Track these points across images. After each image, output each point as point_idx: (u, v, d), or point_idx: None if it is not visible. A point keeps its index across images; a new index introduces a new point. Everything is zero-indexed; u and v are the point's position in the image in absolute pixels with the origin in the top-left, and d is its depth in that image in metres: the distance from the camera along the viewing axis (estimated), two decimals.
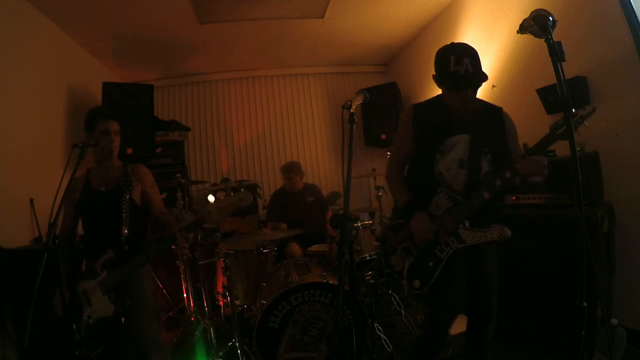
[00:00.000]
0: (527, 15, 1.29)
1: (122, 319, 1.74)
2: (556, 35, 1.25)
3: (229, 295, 2.43)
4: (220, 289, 2.80)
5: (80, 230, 1.94)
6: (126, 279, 1.73)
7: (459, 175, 1.57)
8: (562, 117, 1.32)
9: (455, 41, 1.61)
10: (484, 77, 1.50)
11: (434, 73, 1.58)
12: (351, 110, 1.40)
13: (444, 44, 1.61)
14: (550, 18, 1.25)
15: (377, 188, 3.14)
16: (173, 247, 2.89)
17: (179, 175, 3.42)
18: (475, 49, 1.54)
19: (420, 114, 1.65)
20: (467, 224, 1.51)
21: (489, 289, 1.62)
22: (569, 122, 1.24)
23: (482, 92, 3.29)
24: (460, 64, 1.46)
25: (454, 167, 1.57)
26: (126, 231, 1.78)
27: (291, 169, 3.46)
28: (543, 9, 1.27)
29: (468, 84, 1.49)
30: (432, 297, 1.61)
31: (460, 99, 1.53)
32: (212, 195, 1.69)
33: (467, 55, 1.47)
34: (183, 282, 3.00)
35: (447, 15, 3.74)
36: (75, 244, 1.95)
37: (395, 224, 1.69)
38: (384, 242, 1.70)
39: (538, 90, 2.56)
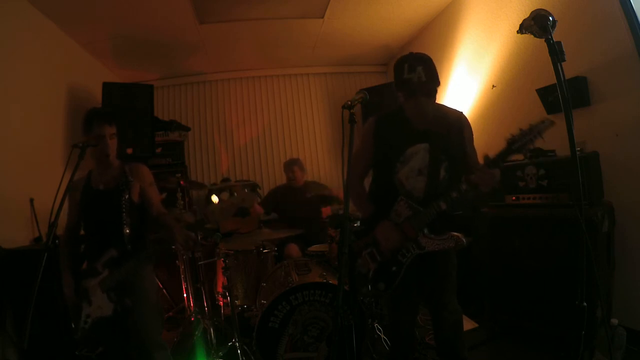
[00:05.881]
0: (527, 15, 1.29)
1: (124, 318, 1.73)
2: (556, 35, 1.25)
3: (229, 295, 2.43)
4: (220, 289, 2.80)
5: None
6: (127, 278, 1.73)
7: (418, 182, 1.65)
8: (519, 130, 1.42)
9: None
10: (437, 83, 1.60)
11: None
12: (351, 111, 1.40)
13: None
14: (550, 18, 1.24)
15: None
16: (173, 247, 2.90)
17: (179, 175, 3.42)
18: (431, 57, 1.60)
19: (382, 126, 1.73)
20: (426, 231, 1.60)
21: (442, 287, 1.72)
22: (569, 123, 1.24)
23: (482, 93, 3.32)
24: (413, 72, 1.54)
25: (413, 175, 1.65)
26: (128, 230, 1.79)
27: (295, 162, 3.56)
28: (543, 9, 1.27)
29: (421, 92, 1.56)
30: (394, 298, 1.76)
31: (417, 106, 1.61)
32: (216, 195, 1.71)
33: (420, 64, 1.55)
34: (183, 282, 3.00)
35: (447, 15, 3.73)
36: (78, 243, 1.95)
37: (358, 230, 1.80)
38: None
39: (538, 90, 2.56)
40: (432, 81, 1.55)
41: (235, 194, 1.69)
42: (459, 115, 1.71)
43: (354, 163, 1.75)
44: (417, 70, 1.53)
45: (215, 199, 1.66)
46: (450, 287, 1.72)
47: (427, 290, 1.73)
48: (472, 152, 1.70)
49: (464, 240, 1.57)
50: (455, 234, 1.58)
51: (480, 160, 1.55)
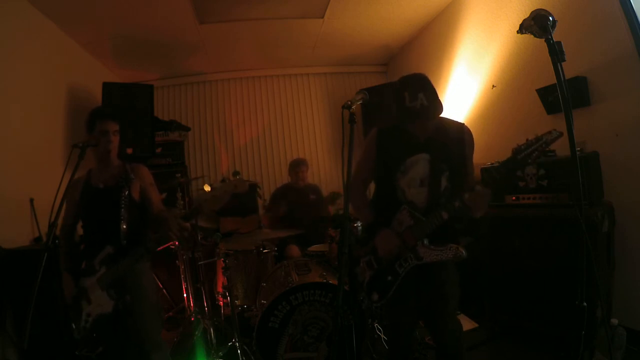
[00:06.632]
0: (527, 15, 1.29)
1: (125, 316, 1.73)
2: (556, 35, 1.25)
3: (229, 295, 2.43)
4: (220, 289, 2.80)
5: (79, 230, 1.95)
6: (125, 276, 1.73)
7: (420, 193, 1.64)
8: (526, 140, 1.40)
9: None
10: (440, 109, 1.60)
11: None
12: (351, 111, 1.40)
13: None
14: (550, 18, 1.24)
15: None
16: (172, 247, 2.90)
17: (179, 175, 3.42)
18: (429, 78, 1.61)
19: (384, 136, 1.74)
20: (425, 241, 1.58)
21: (439, 297, 1.66)
22: (569, 123, 1.24)
23: (482, 93, 3.32)
24: (415, 100, 1.54)
25: (415, 185, 1.64)
26: (125, 226, 1.79)
27: (303, 162, 3.60)
28: (543, 9, 1.26)
29: (425, 117, 1.57)
30: (389, 308, 1.74)
31: (419, 127, 1.64)
32: (209, 184, 1.72)
33: (421, 90, 1.55)
34: (183, 282, 3.00)
35: (447, 15, 3.73)
36: (75, 242, 1.95)
37: (360, 237, 1.79)
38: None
39: (538, 90, 2.56)
40: (434, 105, 1.56)
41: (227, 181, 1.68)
42: (460, 126, 1.71)
43: (357, 172, 1.78)
44: (419, 97, 1.53)
45: (207, 187, 1.66)
46: (448, 299, 1.67)
47: (424, 301, 1.69)
48: (470, 164, 1.69)
49: (463, 252, 1.55)
50: (455, 245, 1.56)
51: (477, 172, 1.55)
